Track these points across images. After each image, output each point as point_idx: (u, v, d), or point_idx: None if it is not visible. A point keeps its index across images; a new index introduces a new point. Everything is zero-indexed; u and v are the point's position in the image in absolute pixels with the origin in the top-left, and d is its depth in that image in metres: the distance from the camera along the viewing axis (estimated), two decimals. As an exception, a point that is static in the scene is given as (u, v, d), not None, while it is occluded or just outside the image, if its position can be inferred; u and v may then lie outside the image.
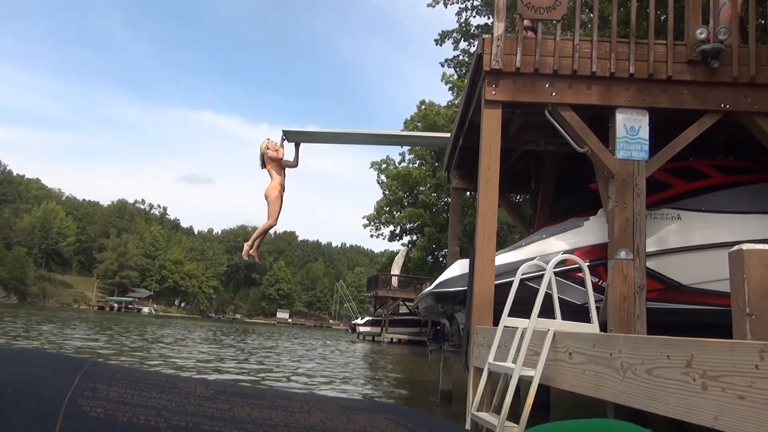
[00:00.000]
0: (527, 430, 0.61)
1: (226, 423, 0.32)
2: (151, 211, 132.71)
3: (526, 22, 5.92)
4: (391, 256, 43.70)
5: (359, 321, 44.81)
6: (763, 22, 5.82)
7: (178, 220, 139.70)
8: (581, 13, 6.82)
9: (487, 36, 5.70)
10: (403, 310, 37.36)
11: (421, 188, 34.06)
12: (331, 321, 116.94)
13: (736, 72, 5.45)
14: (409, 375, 14.23)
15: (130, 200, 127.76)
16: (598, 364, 3.02)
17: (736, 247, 3.02)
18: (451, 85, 26.40)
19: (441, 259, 31.88)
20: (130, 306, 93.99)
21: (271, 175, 7.75)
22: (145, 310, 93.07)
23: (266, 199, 7.77)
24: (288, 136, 8.10)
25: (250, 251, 7.95)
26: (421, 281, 31.24)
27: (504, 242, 16.84)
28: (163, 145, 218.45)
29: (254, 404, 0.36)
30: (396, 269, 38.54)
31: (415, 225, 34.57)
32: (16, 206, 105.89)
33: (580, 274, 4.57)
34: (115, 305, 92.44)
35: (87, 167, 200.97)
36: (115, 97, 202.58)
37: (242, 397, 0.37)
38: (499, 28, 5.63)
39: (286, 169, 7.98)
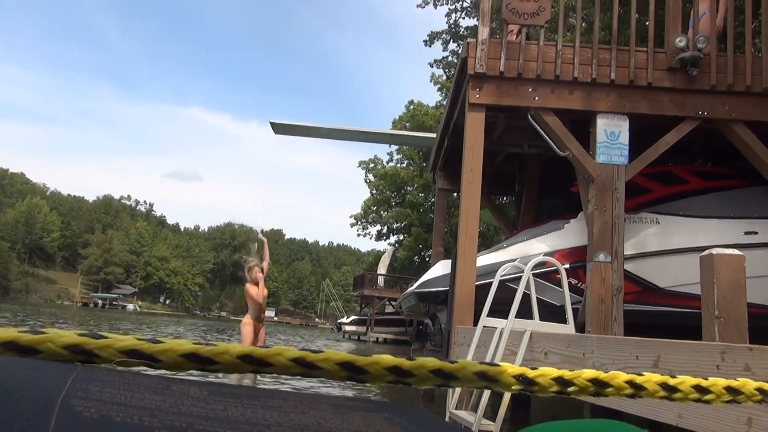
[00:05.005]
0: (524, 429, 0.66)
1: (219, 423, 0.36)
2: (137, 207, 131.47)
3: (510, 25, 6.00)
4: (378, 255, 43.73)
5: (345, 320, 44.72)
6: (742, 31, 5.93)
7: (165, 216, 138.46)
8: (567, 17, 6.92)
9: (471, 40, 5.77)
10: (389, 309, 37.37)
11: (408, 188, 34.12)
12: (317, 320, 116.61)
13: (714, 80, 5.57)
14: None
15: (116, 196, 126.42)
16: (572, 364, 3.11)
17: (706, 252, 3.13)
18: (440, 85, 26.46)
19: (427, 259, 31.92)
20: (114, 303, 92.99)
21: (248, 305, 6.68)
22: (130, 306, 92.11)
23: (240, 333, 6.68)
24: (276, 128, 8.14)
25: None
26: (407, 281, 31.27)
27: (490, 243, 16.95)
28: (150, 141, 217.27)
29: (248, 404, 0.40)
30: (382, 269, 38.57)
31: (402, 225, 34.64)
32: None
33: (560, 276, 4.65)
34: (100, 302, 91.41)
35: (73, 162, 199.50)
36: (102, 91, 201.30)
37: (236, 397, 0.41)
38: (484, 33, 5.71)
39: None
